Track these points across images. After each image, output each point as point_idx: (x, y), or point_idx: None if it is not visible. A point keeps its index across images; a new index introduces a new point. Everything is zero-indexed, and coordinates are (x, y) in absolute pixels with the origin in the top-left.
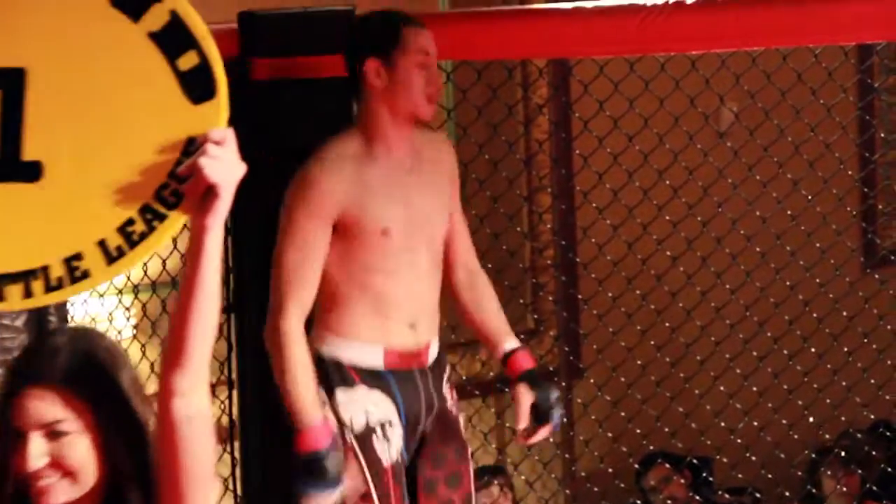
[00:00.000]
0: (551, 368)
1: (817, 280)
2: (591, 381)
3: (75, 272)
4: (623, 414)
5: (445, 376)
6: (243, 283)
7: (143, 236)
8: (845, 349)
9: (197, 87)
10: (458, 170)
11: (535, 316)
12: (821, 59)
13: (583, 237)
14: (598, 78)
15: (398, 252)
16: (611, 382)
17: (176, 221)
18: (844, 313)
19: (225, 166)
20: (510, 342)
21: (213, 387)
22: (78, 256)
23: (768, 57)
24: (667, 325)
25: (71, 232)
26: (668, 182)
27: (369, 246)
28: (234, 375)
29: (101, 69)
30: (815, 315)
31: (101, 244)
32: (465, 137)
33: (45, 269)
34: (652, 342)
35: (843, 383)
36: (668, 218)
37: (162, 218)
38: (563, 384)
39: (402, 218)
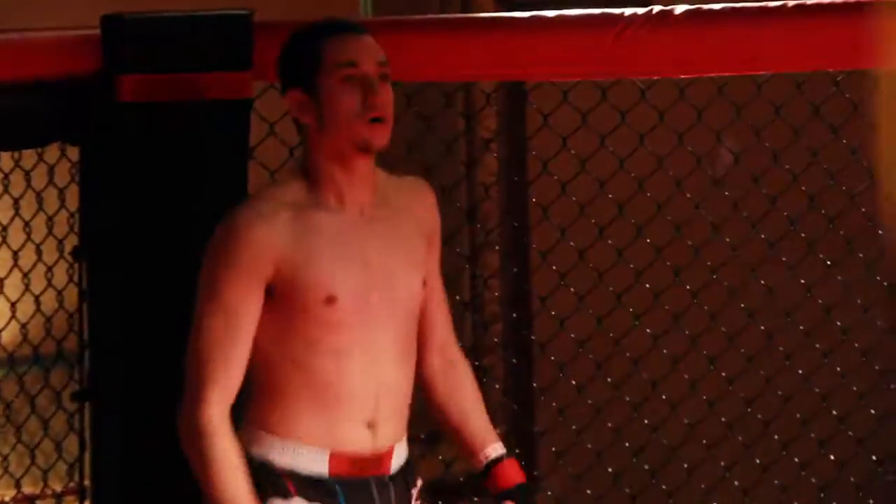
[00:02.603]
0: None
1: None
2: (549, 493)
3: None
4: None
5: (415, 490)
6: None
7: None
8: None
9: None
10: (439, 223)
11: None
12: (843, 88)
13: (540, 309)
14: (562, 107)
15: (350, 327)
16: (573, 496)
17: None
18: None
19: None
20: (495, 448)
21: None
22: None
23: (777, 84)
24: (645, 422)
25: None
26: (648, 240)
27: (312, 318)
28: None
29: None
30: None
31: None
32: None
33: None
34: (626, 444)
35: None
36: (647, 286)
37: None
38: None
39: (356, 282)
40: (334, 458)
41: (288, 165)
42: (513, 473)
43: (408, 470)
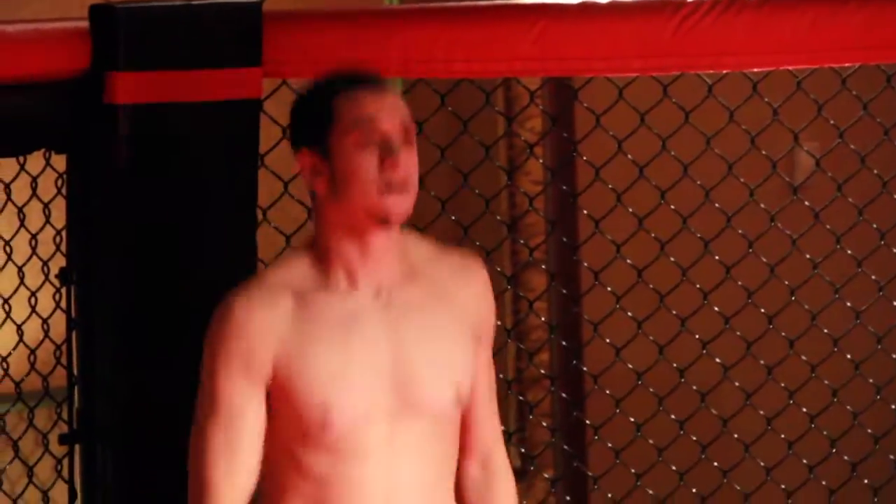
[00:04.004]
0: None
1: None
2: None
3: None
4: None
5: None
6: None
7: None
8: None
9: None
10: (493, 313)
11: (523, 450)
12: None
13: (592, 336)
14: (616, 105)
15: (352, 439)
16: None
17: None
18: None
19: None
20: None
21: None
22: None
23: (865, 77)
24: (715, 465)
25: None
26: (717, 257)
27: (305, 439)
28: None
29: None
30: None
31: None
32: (422, 190)
33: None
34: (693, 489)
35: None
36: (716, 309)
37: None
38: None
39: (359, 397)
40: None
41: (300, 241)
42: None
43: None
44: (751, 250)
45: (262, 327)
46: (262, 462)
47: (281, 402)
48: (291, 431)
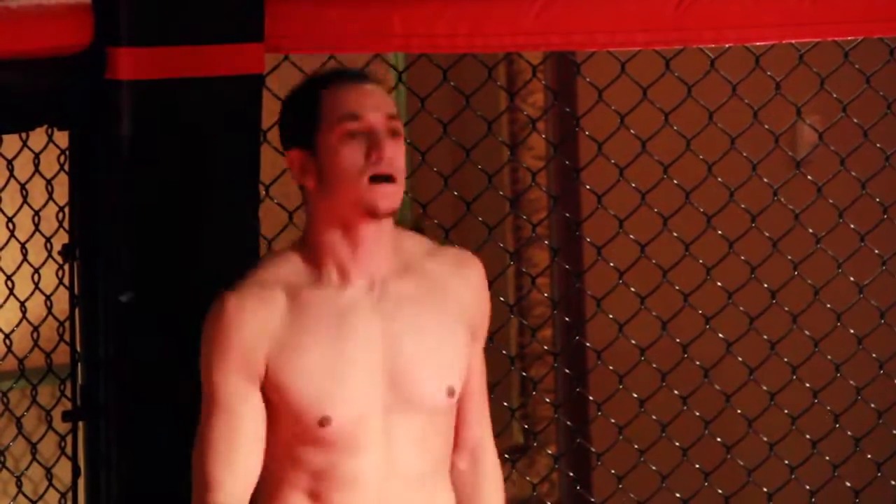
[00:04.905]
0: (548, 503)
1: None
2: None
3: None
4: None
5: None
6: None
7: None
8: None
9: None
10: (488, 309)
11: (526, 426)
12: None
13: (595, 311)
14: (619, 80)
15: (349, 432)
16: None
17: None
18: None
19: None
20: None
21: None
22: None
23: (867, 51)
24: (718, 440)
25: None
26: (719, 232)
27: (303, 435)
28: None
29: None
30: None
31: None
32: (425, 166)
33: None
34: (696, 465)
35: None
36: (719, 284)
37: None
38: None
39: (356, 391)
40: None
41: (292, 240)
42: None
43: None
44: (753, 225)
45: (255, 324)
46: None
47: (276, 397)
48: (288, 426)
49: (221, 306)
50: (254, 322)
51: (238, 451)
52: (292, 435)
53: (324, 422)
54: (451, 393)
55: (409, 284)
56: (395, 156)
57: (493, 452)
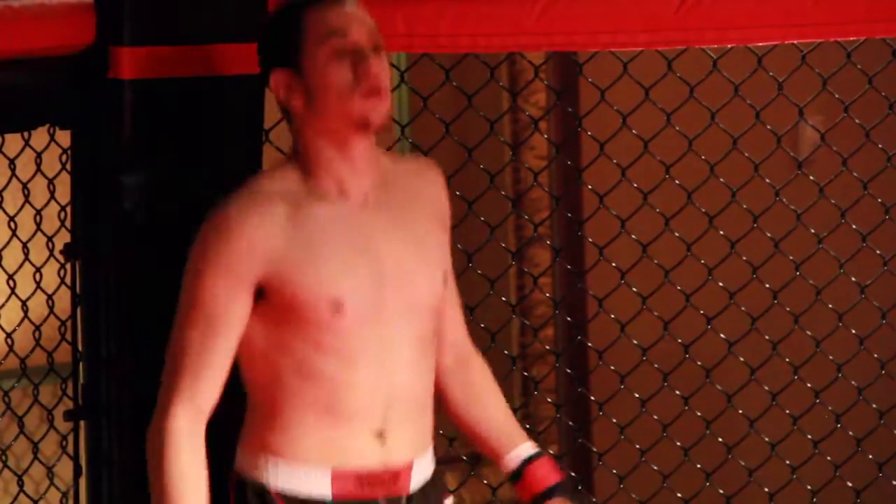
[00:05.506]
0: None
1: None
2: None
3: None
4: None
5: None
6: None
7: None
8: None
9: None
10: (450, 208)
11: (528, 425)
12: None
13: (596, 312)
14: (621, 80)
15: (361, 333)
16: None
17: None
18: None
19: None
20: (524, 447)
21: None
22: None
23: (870, 51)
24: (720, 440)
25: None
26: (721, 232)
27: (315, 326)
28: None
29: None
30: None
31: None
32: None
33: None
34: (698, 465)
35: None
36: (720, 284)
37: None
38: None
39: (367, 282)
40: (337, 477)
41: (278, 158)
42: (547, 473)
43: (433, 488)
44: (755, 225)
45: (253, 233)
46: (262, 383)
47: (285, 303)
48: (299, 333)
49: (220, 213)
50: (252, 230)
51: (209, 362)
52: (303, 337)
53: (337, 307)
54: (444, 280)
55: (390, 193)
56: (381, 71)
57: (473, 347)
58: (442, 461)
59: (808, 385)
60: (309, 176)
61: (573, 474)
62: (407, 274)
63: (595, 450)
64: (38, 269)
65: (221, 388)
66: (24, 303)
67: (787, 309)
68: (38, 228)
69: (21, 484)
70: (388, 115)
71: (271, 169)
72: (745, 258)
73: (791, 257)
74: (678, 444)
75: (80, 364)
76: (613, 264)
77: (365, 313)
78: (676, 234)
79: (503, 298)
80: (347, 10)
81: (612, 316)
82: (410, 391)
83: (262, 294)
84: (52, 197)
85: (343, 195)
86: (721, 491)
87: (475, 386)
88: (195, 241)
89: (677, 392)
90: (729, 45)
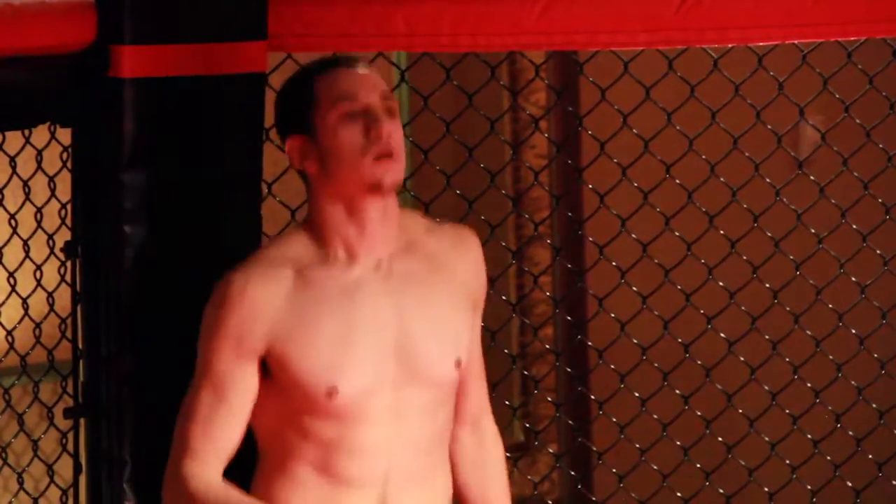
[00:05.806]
0: (549, 502)
1: None
2: None
3: None
4: None
5: None
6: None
7: None
8: None
9: None
10: (486, 284)
11: (527, 424)
12: None
13: (596, 311)
14: (622, 79)
15: (358, 405)
16: None
17: None
18: None
19: None
20: None
21: None
22: None
23: (870, 51)
24: (720, 440)
25: None
26: (721, 232)
27: (311, 403)
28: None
29: None
30: None
31: None
32: (427, 164)
33: None
34: (698, 465)
35: None
36: (721, 284)
37: None
38: None
39: (365, 365)
40: None
41: (294, 223)
42: None
43: None
44: (755, 224)
45: (258, 303)
46: (268, 427)
47: (283, 371)
48: (297, 400)
49: (227, 283)
50: (257, 300)
51: (219, 425)
52: (301, 408)
53: (332, 393)
54: (458, 364)
55: (413, 262)
56: (394, 133)
57: (492, 423)
58: None
59: (808, 385)
60: (320, 242)
61: (572, 473)
62: (415, 349)
63: (595, 449)
64: (38, 267)
65: (233, 448)
66: (24, 300)
67: (787, 309)
68: (39, 226)
69: (21, 481)
70: (402, 176)
71: (283, 234)
72: (745, 258)
73: (791, 257)
74: (678, 443)
75: (81, 362)
76: (613, 263)
77: (363, 389)
78: (676, 234)
79: (503, 297)
80: (359, 74)
81: (612, 315)
82: (415, 458)
83: (264, 368)
84: (53, 195)
85: (352, 261)
86: (721, 491)
87: (482, 469)
88: (207, 304)
89: (677, 391)
90: (729, 45)
